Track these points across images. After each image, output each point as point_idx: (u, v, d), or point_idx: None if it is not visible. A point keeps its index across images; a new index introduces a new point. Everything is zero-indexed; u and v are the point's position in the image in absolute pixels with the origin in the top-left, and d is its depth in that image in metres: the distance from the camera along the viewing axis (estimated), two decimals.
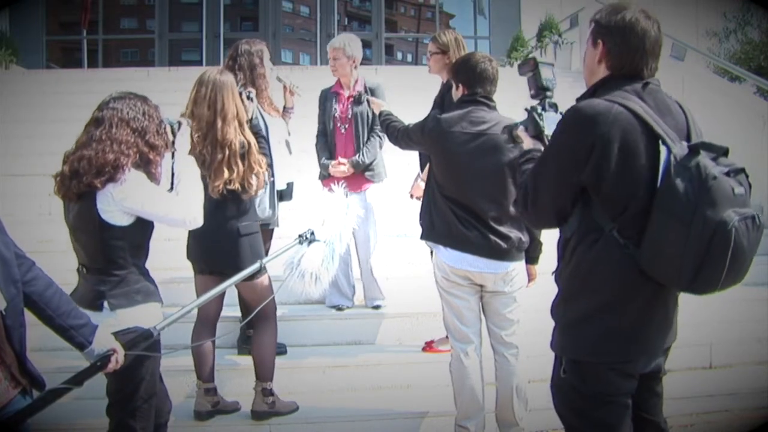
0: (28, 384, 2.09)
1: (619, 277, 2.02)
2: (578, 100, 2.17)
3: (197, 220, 2.70)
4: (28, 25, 12.50)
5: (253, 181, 3.40)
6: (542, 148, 2.29)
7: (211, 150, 3.35)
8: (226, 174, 3.32)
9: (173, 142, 2.74)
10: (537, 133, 2.35)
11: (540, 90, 2.42)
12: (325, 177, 4.53)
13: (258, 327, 3.56)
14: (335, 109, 4.57)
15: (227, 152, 3.32)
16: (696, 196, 1.87)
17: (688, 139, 2.07)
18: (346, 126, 4.56)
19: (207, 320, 3.62)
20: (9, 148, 6.67)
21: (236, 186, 3.35)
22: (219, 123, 3.33)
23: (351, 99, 4.56)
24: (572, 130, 2.05)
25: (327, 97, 4.63)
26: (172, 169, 2.75)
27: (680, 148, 1.97)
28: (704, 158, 1.92)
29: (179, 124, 2.79)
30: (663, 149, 1.96)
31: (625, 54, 2.10)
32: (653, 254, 1.96)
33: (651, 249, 1.96)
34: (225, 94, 3.36)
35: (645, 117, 1.99)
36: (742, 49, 15.97)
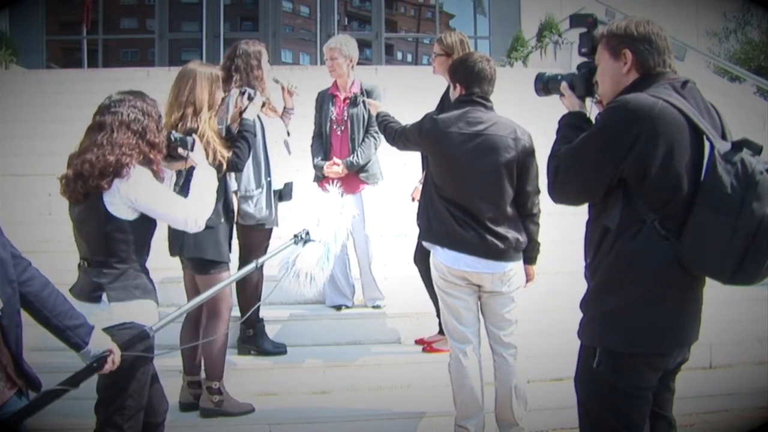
0: (24, 385, 2.09)
1: (660, 269, 2.07)
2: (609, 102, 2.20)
3: (199, 223, 2.73)
4: (28, 25, 12.48)
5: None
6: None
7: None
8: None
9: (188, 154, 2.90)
10: (586, 94, 2.35)
11: (595, 50, 2.34)
12: (320, 178, 4.53)
13: (209, 325, 3.51)
14: (331, 110, 4.57)
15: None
16: (743, 190, 1.94)
17: (722, 137, 2.13)
18: (342, 128, 4.55)
19: (191, 318, 3.62)
20: (9, 148, 6.67)
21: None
22: (173, 110, 3.32)
23: (347, 101, 4.56)
24: (618, 122, 2.09)
25: (324, 99, 4.63)
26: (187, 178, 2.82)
27: (722, 144, 2.04)
28: (746, 154, 1.99)
29: (192, 141, 2.92)
30: (707, 144, 2.03)
31: (657, 56, 2.17)
32: (695, 247, 2.01)
33: (693, 242, 2.01)
34: (182, 83, 3.34)
35: (688, 113, 2.06)
36: (742, 49, 16.00)
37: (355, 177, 4.51)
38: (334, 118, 4.57)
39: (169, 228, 3.39)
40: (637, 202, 2.08)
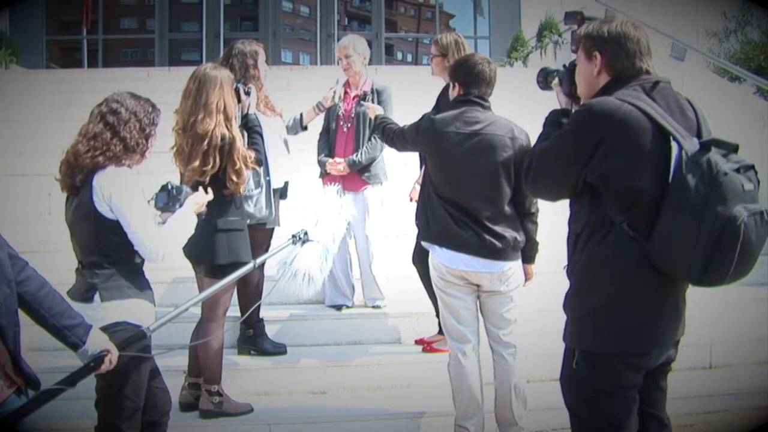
0: (23, 384, 2.09)
1: (631, 270, 2.07)
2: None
3: (158, 254, 2.63)
4: (28, 25, 12.46)
5: (234, 177, 3.35)
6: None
7: (191, 142, 3.33)
8: (197, 163, 3.27)
9: None
10: (569, 93, 2.37)
11: None
12: (325, 175, 4.53)
13: (205, 328, 3.48)
14: (339, 107, 4.58)
15: (205, 144, 3.28)
16: (707, 192, 1.93)
17: (698, 135, 2.12)
18: (349, 125, 4.56)
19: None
20: (9, 148, 6.66)
21: (205, 179, 3.28)
22: (200, 115, 3.30)
23: (356, 98, 4.56)
24: (581, 127, 2.11)
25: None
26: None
27: (691, 145, 2.03)
28: (715, 155, 1.98)
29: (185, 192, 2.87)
30: (674, 146, 2.02)
31: (626, 59, 2.17)
32: (664, 248, 2.01)
33: (661, 243, 2.01)
34: (209, 88, 3.33)
35: (654, 115, 2.05)
36: (742, 49, 16.00)
37: (357, 176, 4.52)
38: (341, 114, 4.58)
39: (193, 234, 3.38)
40: (605, 205, 2.09)
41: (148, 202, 2.73)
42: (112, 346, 2.36)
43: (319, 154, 4.62)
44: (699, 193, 1.93)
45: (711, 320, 4.43)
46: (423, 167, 3.69)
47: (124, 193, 2.56)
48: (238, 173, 3.36)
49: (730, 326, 4.57)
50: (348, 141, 4.55)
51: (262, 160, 3.57)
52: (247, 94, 3.62)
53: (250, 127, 3.58)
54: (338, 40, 4.98)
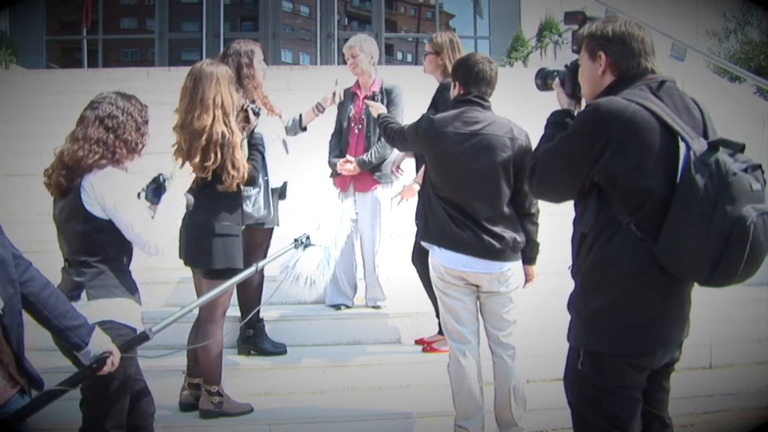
0: (26, 384, 2.10)
1: (637, 270, 2.07)
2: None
3: (159, 248, 2.64)
4: (28, 25, 12.46)
5: (232, 173, 3.33)
6: None
7: (188, 139, 3.33)
8: (197, 159, 3.26)
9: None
10: (572, 93, 2.36)
11: None
12: (336, 176, 4.54)
13: (204, 330, 3.47)
14: (350, 108, 4.59)
15: (203, 139, 3.28)
16: (716, 192, 1.92)
17: (704, 135, 2.12)
18: (360, 126, 4.57)
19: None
20: (9, 148, 6.66)
21: (208, 174, 3.30)
22: (197, 111, 3.30)
23: (365, 98, 4.57)
24: (588, 127, 2.10)
25: (345, 97, 4.64)
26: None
27: (699, 145, 2.02)
28: (723, 155, 1.97)
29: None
30: (682, 146, 2.01)
31: (631, 58, 2.16)
32: (671, 248, 2.01)
33: (669, 243, 2.01)
34: (205, 84, 3.33)
35: (662, 115, 2.04)
36: (742, 49, 16.02)
37: (368, 176, 4.52)
38: (352, 116, 4.59)
39: (189, 237, 3.39)
40: (612, 206, 2.09)
41: (138, 195, 2.73)
42: (114, 347, 2.36)
43: (330, 155, 4.63)
44: (708, 194, 1.93)
45: (711, 320, 4.43)
46: (422, 167, 3.69)
47: (120, 194, 2.57)
48: (236, 170, 3.35)
49: (730, 326, 4.57)
50: (359, 142, 4.55)
51: (256, 179, 3.56)
52: (256, 114, 3.63)
53: (253, 144, 3.59)
54: (338, 40, 4.99)
